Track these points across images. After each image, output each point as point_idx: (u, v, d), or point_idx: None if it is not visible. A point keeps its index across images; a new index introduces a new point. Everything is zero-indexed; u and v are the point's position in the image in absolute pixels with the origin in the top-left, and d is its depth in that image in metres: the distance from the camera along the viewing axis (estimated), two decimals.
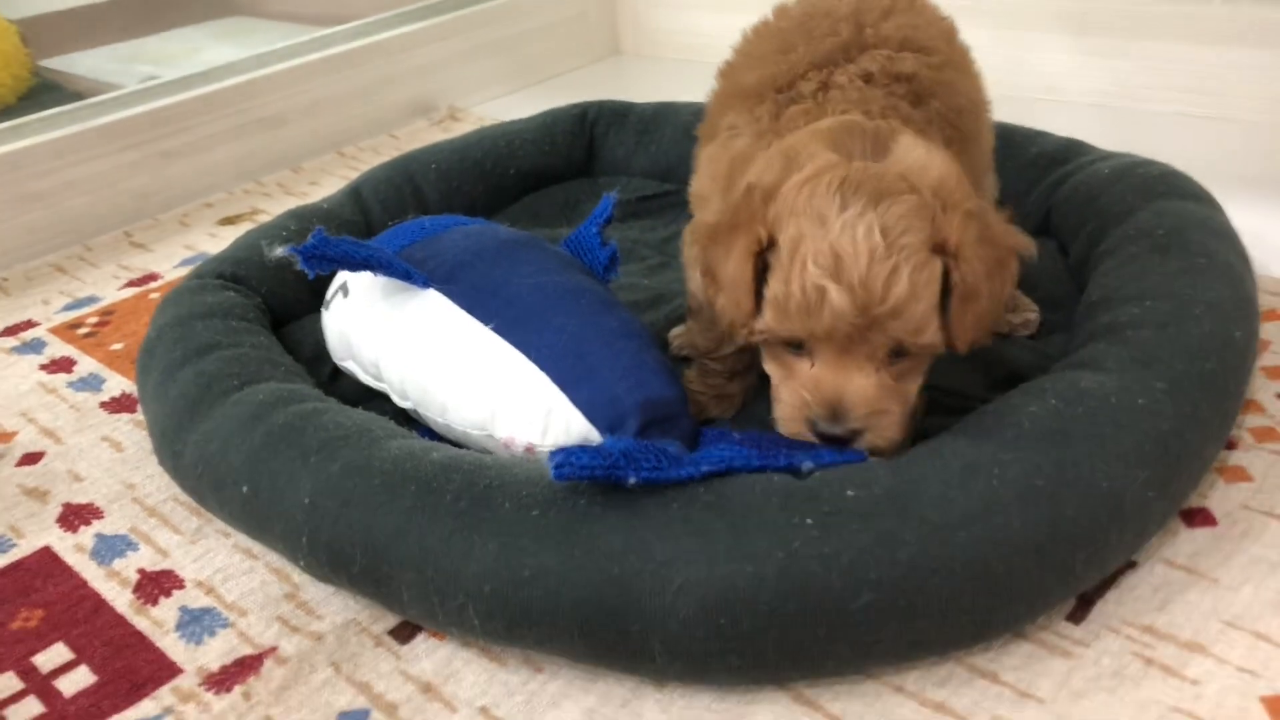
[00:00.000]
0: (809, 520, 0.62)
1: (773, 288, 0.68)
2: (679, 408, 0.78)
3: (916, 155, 0.70)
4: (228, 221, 1.43)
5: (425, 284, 0.84)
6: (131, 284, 1.28)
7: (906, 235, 0.65)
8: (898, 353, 0.68)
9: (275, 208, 1.46)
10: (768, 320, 0.69)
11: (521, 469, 0.70)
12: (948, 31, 0.87)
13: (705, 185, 0.84)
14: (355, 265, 0.82)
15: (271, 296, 1.03)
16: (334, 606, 0.76)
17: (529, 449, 0.77)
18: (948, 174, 0.70)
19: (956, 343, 0.69)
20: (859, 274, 0.64)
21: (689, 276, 0.84)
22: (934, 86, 0.81)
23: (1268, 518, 0.75)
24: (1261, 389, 0.87)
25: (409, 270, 0.83)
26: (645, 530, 0.64)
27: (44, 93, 1.90)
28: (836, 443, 0.69)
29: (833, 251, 0.65)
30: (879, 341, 0.67)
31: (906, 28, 0.83)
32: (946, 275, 0.68)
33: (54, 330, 1.18)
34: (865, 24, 0.83)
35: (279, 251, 0.84)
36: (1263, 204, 1.16)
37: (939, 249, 0.67)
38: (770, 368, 0.73)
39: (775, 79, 0.82)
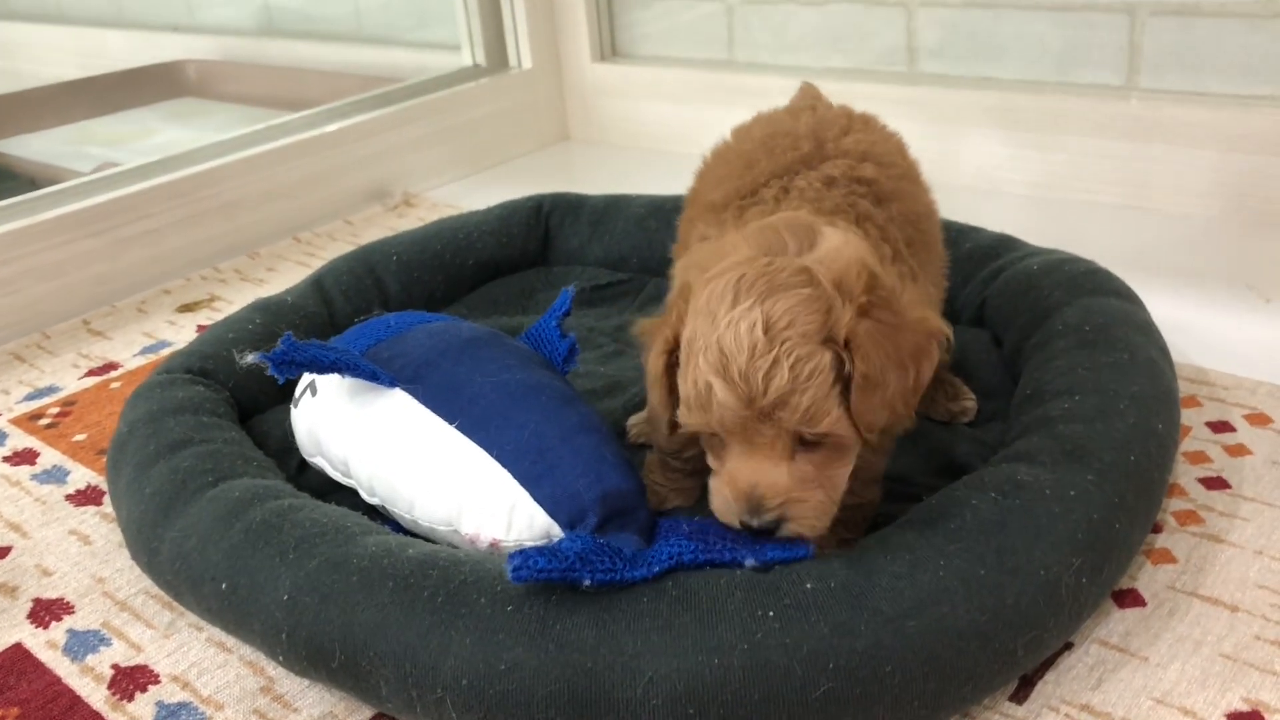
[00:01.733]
0: (771, 612, 0.67)
1: (680, 385, 0.72)
2: (637, 500, 0.82)
3: (831, 245, 0.72)
4: (186, 309, 1.45)
5: (392, 384, 0.87)
6: (92, 373, 1.29)
7: (790, 329, 0.67)
8: (808, 442, 0.70)
9: (233, 294, 1.48)
10: (681, 415, 0.72)
11: (495, 565, 0.73)
12: (899, 146, 0.94)
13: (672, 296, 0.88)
14: (324, 368, 0.86)
15: (239, 390, 1.05)
16: (310, 699, 0.78)
17: (494, 544, 0.80)
18: (852, 264, 0.71)
19: (861, 430, 0.70)
20: (739, 368, 0.67)
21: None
22: (894, 193, 0.85)
23: (1191, 597, 0.80)
24: (1184, 473, 0.93)
25: (376, 371, 0.87)
26: (615, 624, 0.67)
27: None
28: (762, 534, 0.72)
29: (719, 347, 0.68)
30: (775, 432, 0.69)
31: (865, 142, 0.89)
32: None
33: (15, 421, 1.20)
34: (826, 139, 0.88)
35: (250, 358, 0.87)
36: (1181, 294, 1.23)
37: (830, 340, 0.68)
38: (709, 461, 0.75)
39: (739, 190, 0.86)
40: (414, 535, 0.84)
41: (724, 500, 0.72)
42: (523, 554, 0.68)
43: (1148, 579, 0.82)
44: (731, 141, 0.95)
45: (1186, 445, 0.96)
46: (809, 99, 1.02)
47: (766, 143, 0.89)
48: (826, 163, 0.86)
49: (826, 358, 0.68)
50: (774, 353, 0.67)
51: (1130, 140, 1.49)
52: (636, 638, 0.66)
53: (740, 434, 0.70)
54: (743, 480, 0.70)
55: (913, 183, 0.90)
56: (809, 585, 0.68)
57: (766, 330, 0.67)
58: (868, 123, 0.93)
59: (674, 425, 0.75)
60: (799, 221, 0.76)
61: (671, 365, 0.74)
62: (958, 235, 1.19)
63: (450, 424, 0.83)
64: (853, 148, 0.88)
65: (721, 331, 0.68)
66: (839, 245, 0.73)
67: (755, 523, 0.70)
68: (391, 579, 0.72)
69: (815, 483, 0.71)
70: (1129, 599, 0.80)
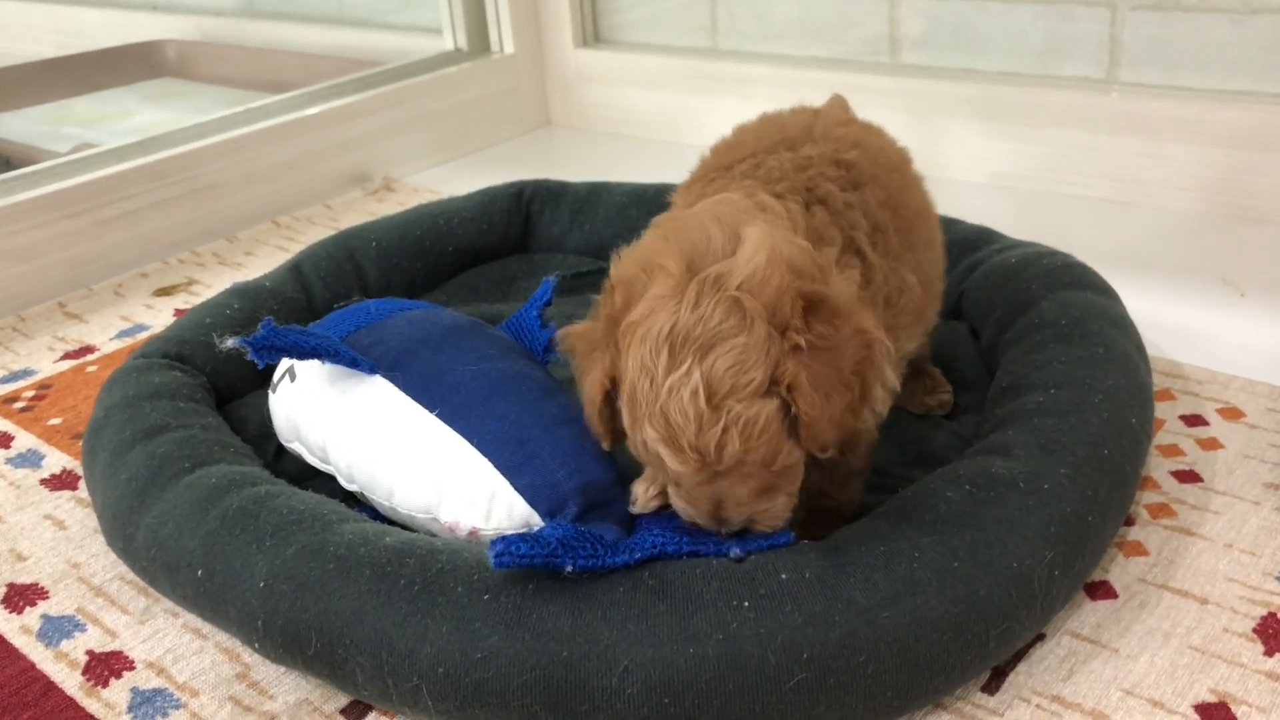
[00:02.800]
0: (746, 602, 0.67)
1: (626, 427, 0.70)
2: (617, 491, 0.82)
3: (760, 260, 0.67)
4: (163, 292, 1.45)
5: (372, 371, 0.87)
6: (68, 356, 1.29)
7: (732, 394, 0.65)
8: None
9: (210, 278, 1.48)
10: (630, 449, 0.71)
11: (472, 553, 0.73)
12: (902, 154, 0.91)
13: None
14: (304, 354, 0.85)
15: (216, 375, 1.05)
16: (286, 686, 0.78)
17: (473, 533, 0.80)
18: (780, 288, 0.67)
19: (814, 452, 0.69)
20: (689, 440, 0.65)
21: None
22: (874, 180, 0.82)
23: (1162, 590, 0.81)
24: (1156, 467, 0.94)
25: (356, 358, 0.86)
26: (592, 614, 0.68)
27: None
28: (732, 536, 0.73)
29: (664, 418, 0.65)
30: (734, 477, 0.69)
31: (860, 135, 0.88)
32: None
33: None
34: (817, 127, 0.87)
35: (230, 343, 0.87)
36: (1157, 288, 1.24)
37: (773, 384, 0.66)
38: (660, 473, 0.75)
39: (716, 165, 0.85)
40: (392, 523, 0.84)
41: (683, 512, 0.73)
42: (505, 540, 0.68)
43: (1119, 571, 0.83)
44: (729, 135, 0.95)
45: (1160, 438, 0.97)
46: (836, 108, 0.99)
47: (761, 127, 0.89)
48: (808, 144, 0.84)
49: (771, 407, 0.66)
50: (721, 422, 0.65)
51: (1110, 134, 1.50)
52: (612, 627, 0.67)
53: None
54: (704, 501, 0.70)
55: (903, 176, 0.88)
56: (784, 576, 0.69)
57: (709, 399, 0.64)
58: (878, 131, 0.92)
59: (614, 442, 0.75)
60: (725, 211, 0.73)
61: (609, 397, 0.72)
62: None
63: (431, 412, 0.83)
64: (844, 136, 0.86)
65: (664, 400, 0.65)
66: (757, 249, 0.68)
67: (723, 531, 0.72)
68: (368, 567, 0.72)
69: (773, 489, 0.71)
70: (1101, 591, 0.81)
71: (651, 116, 1.94)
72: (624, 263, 0.74)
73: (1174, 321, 1.17)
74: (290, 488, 0.84)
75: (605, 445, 0.76)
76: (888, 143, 0.92)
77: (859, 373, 0.69)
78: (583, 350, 0.75)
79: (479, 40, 1.98)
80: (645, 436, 0.67)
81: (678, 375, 0.65)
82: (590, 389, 0.73)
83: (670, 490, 0.74)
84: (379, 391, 0.86)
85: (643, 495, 0.78)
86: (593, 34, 2.01)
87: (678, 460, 0.66)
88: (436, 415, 0.83)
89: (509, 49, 1.98)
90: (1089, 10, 1.50)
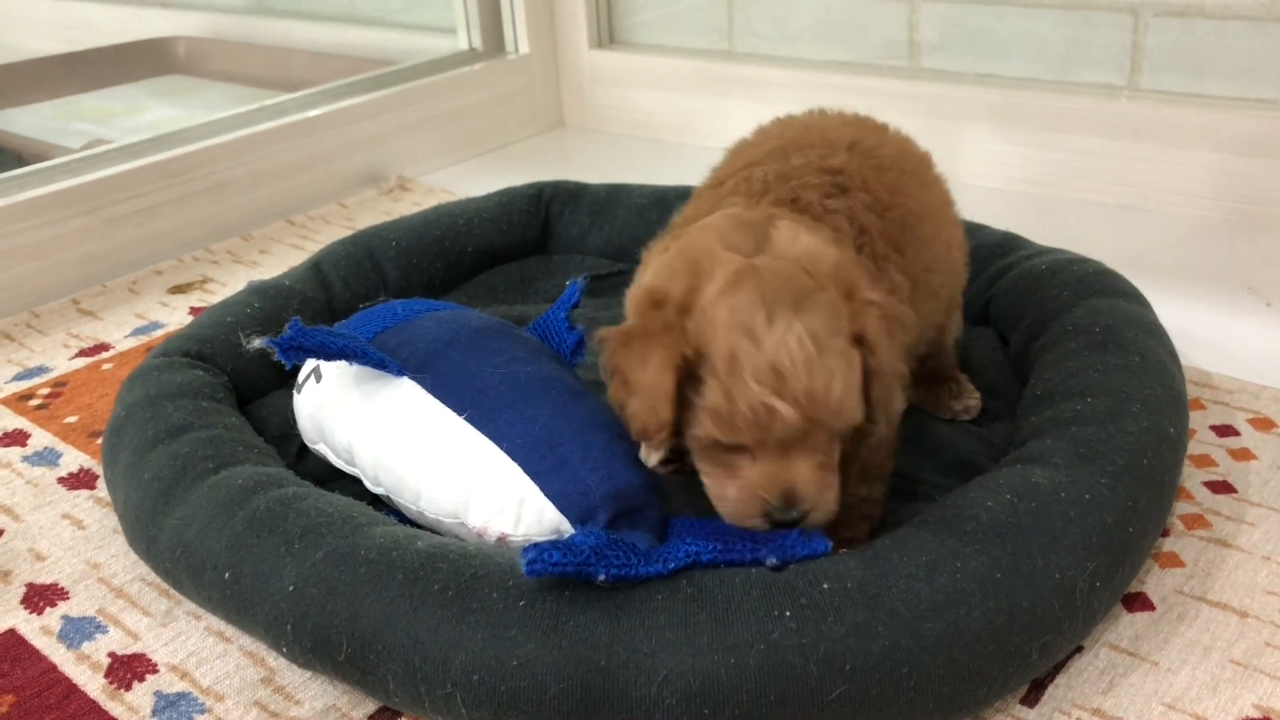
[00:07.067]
0: (787, 612, 0.66)
1: (710, 400, 0.69)
2: (648, 497, 0.80)
3: (803, 244, 0.73)
4: (178, 290, 1.43)
5: (400, 372, 0.86)
6: (83, 354, 1.27)
7: (832, 338, 0.69)
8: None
9: (225, 276, 1.47)
10: (707, 429, 0.70)
11: (506, 559, 0.72)
12: (899, 151, 0.90)
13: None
14: (332, 355, 0.84)
15: (237, 375, 1.04)
16: (312, 691, 0.77)
17: (502, 538, 0.79)
18: (839, 260, 0.73)
19: (879, 421, 0.73)
20: (802, 387, 0.67)
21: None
22: (864, 183, 0.83)
23: (1200, 602, 0.80)
24: (1189, 477, 0.93)
25: (384, 359, 0.85)
26: (630, 621, 0.66)
27: None
28: (786, 526, 0.72)
29: (772, 368, 0.67)
30: (822, 434, 0.70)
31: (855, 134, 0.87)
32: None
33: (4, 401, 1.18)
34: (815, 130, 0.88)
35: (257, 343, 0.86)
36: (1181, 296, 1.23)
37: (857, 340, 0.71)
38: (705, 468, 0.74)
39: (714, 178, 0.87)
40: (419, 527, 0.83)
41: (745, 503, 0.72)
42: (537, 547, 0.67)
43: (1156, 583, 0.82)
44: (749, 137, 0.95)
45: (1191, 449, 0.96)
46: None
47: (763, 133, 0.89)
48: (795, 153, 0.85)
49: (858, 358, 0.70)
50: (828, 365, 0.68)
51: (1130, 140, 1.49)
52: (651, 635, 0.66)
53: (778, 441, 0.69)
54: (784, 481, 0.70)
55: (899, 176, 0.87)
56: (825, 585, 0.68)
57: (816, 346, 0.68)
58: (877, 128, 0.92)
59: (667, 436, 0.73)
60: (744, 219, 0.76)
61: (680, 379, 0.71)
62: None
63: (459, 415, 0.82)
64: (839, 138, 0.87)
65: (772, 352, 0.67)
66: (808, 241, 0.73)
67: (793, 515, 0.71)
68: (400, 571, 0.71)
69: (827, 471, 0.72)
70: (1138, 603, 0.80)
71: (666, 119, 1.93)
72: (654, 279, 0.74)
73: (1200, 330, 1.16)
74: (317, 490, 0.83)
75: (663, 437, 0.72)
76: (887, 140, 0.91)
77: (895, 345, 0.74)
78: (623, 343, 0.73)
79: (493, 40, 1.97)
80: (748, 395, 0.67)
81: (780, 326, 0.68)
82: (655, 375, 0.70)
83: (720, 490, 0.73)
84: (407, 393, 0.85)
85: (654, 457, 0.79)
86: (608, 35, 2.00)
87: (789, 409, 0.67)
88: (465, 418, 0.82)
89: (523, 49, 1.97)
90: (1111, 16, 1.49)
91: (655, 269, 0.76)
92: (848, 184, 0.83)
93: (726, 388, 0.68)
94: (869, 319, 0.71)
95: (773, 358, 0.67)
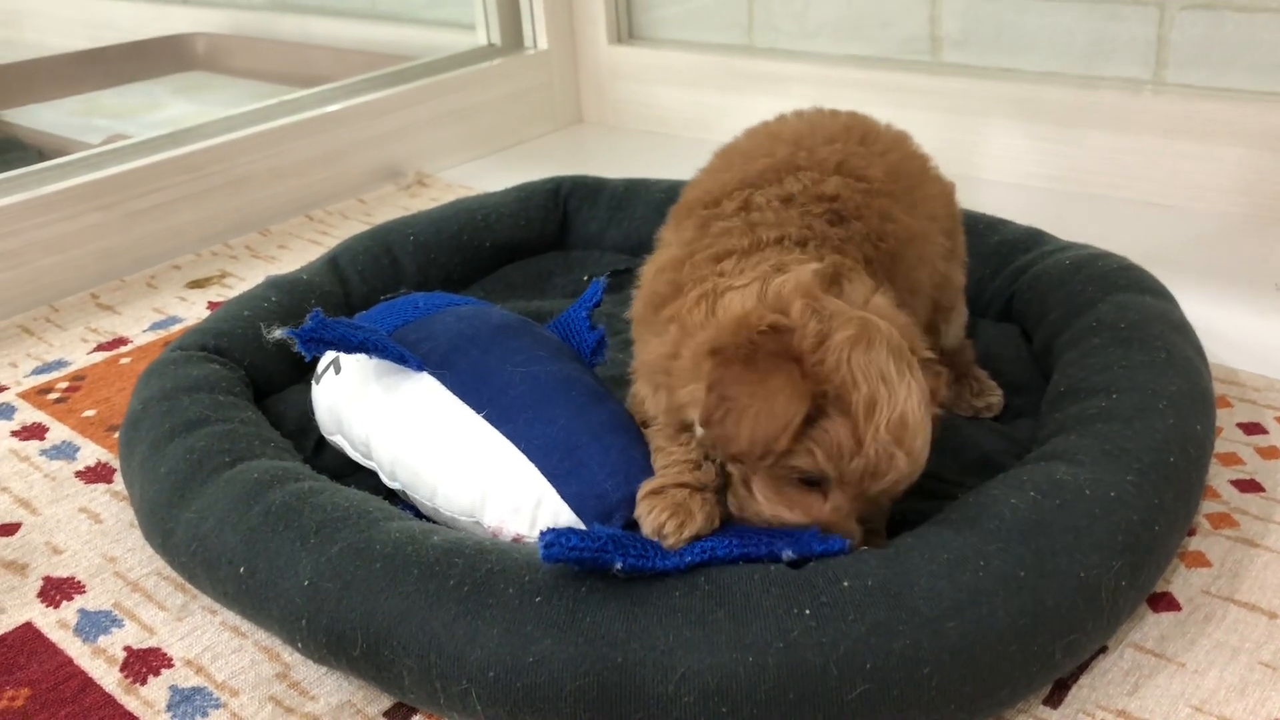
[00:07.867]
0: (806, 610, 0.65)
1: (835, 437, 0.68)
2: None
3: (876, 303, 0.75)
4: (196, 285, 1.43)
5: (420, 368, 0.85)
6: (101, 348, 1.27)
7: (929, 399, 0.72)
8: None
9: (244, 270, 1.46)
10: (816, 462, 0.69)
11: (522, 554, 0.71)
12: (888, 168, 0.89)
13: (637, 305, 0.85)
14: (352, 348, 0.84)
15: (254, 369, 1.04)
16: (327, 687, 0.76)
17: (517, 538, 0.78)
18: (905, 322, 0.76)
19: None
20: (919, 442, 0.70)
21: (639, 395, 0.84)
22: (858, 212, 0.83)
23: (1227, 603, 0.78)
24: (1216, 475, 0.91)
25: (404, 354, 0.85)
26: (647, 618, 0.66)
27: (2, 147, 1.89)
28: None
29: (902, 420, 0.69)
30: (901, 487, 0.72)
31: (841, 153, 0.87)
32: None
33: (23, 395, 1.18)
34: (802, 148, 0.87)
35: (278, 334, 0.85)
36: (1207, 293, 1.21)
37: (934, 401, 0.74)
38: (766, 492, 0.73)
39: (705, 196, 0.86)
40: (435, 523, 0.82)
41: (802, 525, 0.72)
42: (555, 532, 0.67)
43: (1182, 582, 0.80)
44: (738, 139, 0.94)
45: (1219, 447, 0.95)
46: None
47: (750, 144, 0.89)
48: (789, 177, 0.84)
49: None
50: (928, 424, 0.71)
51: (1156, 136, 1.47)
52: (669, 632, 0.65)
53: (861, 484, 0.71)
54: (842, 527, 0.72)
55: (890, 201, 0.86)
56: (845, 584, 0.67)
57: (925, 405, 0.71)
58: (864, 136, 0.90)
59: (762, 458, 0.71)
60: (820, 273, 0.75)
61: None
62: (985, 228, 1.17)
63: (478, 413, 0.81)
64: (827, 158, 0.86)
65: (902, 405, 0.69)
66: (880, 302, 0.76)
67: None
68: (416, 566, 0.71)
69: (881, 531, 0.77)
70: (1164, 603, 0.79)
71: (685, 114, 1.92)
72: (745, 298, 0.74)
73: (1226, 327, 1.14)
74: (333, 484, 0.82)
75: (765, 450, 0.69)
76: (875, 150, 0.89)
77: None
78: (726, 362, 0.70)
79: (512, 36, 1.97)
80: (879, 442, 0.68)
81: (907, 382, 0.70)
82: (785, 404, 0.67)
83: (772, 509, 0.72)
84: (426, 389, 0.84)
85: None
86: (627, 30, 1.99)
87: (906, 463, 0.69)
88: (484, 417, 0.81)
89: (542, 45, 1.96)
90: (1137, 10, 1.48)
91: (746, 295, 0.74)
92: (844, 212, 0.83)
93: (858, 431, 0.68)
94: (940, 382, 0.75)
95: (903, 410, 0.69)
